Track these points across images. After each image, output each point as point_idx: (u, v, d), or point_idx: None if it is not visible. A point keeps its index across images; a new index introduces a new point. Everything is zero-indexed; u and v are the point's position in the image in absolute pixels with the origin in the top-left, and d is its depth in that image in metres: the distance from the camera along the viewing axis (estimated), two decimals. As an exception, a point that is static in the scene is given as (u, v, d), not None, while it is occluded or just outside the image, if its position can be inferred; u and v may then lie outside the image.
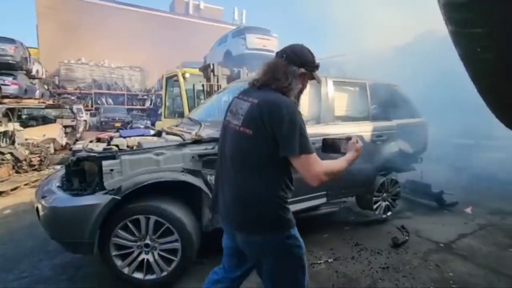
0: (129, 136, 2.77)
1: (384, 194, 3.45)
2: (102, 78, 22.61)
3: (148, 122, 16.85)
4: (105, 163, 2.01)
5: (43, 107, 8.41)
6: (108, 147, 2.32)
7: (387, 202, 3.49)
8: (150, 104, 21.57)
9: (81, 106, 15.04)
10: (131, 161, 2.06)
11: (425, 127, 3.76)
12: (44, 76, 16.61)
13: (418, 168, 3.96)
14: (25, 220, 3.39)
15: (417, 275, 2.43)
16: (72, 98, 18.17)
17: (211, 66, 4.66)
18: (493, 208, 4.01)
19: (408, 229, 3.16)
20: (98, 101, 21.05)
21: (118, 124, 15.42)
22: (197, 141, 2.37)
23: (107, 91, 21.89)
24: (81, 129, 11.84)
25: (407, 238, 3.02)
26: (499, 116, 1.02)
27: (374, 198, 3.36)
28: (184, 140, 2.39)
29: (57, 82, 20.71)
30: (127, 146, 2.48)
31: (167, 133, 2.81)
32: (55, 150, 7.61)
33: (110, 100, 21.55)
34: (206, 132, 2.55)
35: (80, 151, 2.28)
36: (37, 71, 14.11)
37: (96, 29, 22.72)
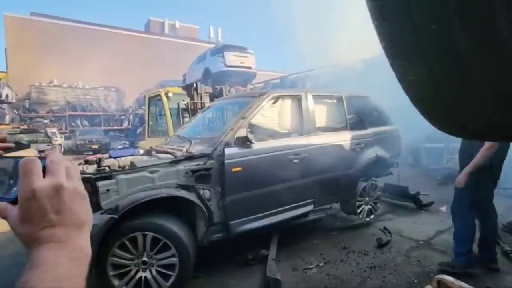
0: (119, 157, 2.82)
1: (366, 198, 3.66)
2: (76, 100, 21.97)
3: (127, 142, 16.52)
4: (101, 183, 2.06)
5: (17, 132, 8.10)
6: (101, 168, 2.37)
7: (369, 206, 3.70)
8: (128, 124, 21.16)
9: (54, 130, 14.54)
10: (127, 180, 2.13)
11: (398, 134, 4.06)
12: (14, 100, 15.97)
13: (394, 172, 4.24)
14: (9, 249, 3.27)
15: (402, 271, 2.61)
16: (45, 121, 17.52)
17: (195, 85, 4.80)
18: (464, 205, 4.33)
19: (390, 230, 3.37)
20: (73, 124, 20.38)
21: (95, 146, 14.97)
22: (189, 158, 2.47)
23: (82, 113, 21.27)
24: (56, 153, 11.40)
25: (390, 238, 3.22)
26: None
27: (358, 203, 3.56)
28: (176, 157, 2.48)
29: (27, 106, 19.91)
30: (119, 167, 2.54)
31: (157, 152, 2.88)
32: (31, 176, 7.31)
33: (85, 122, 20.90)
34: (196, 149, 2.66)
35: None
36: (7, 96, 13.60)
37: (69, 51, 22.29)
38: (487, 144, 2.27)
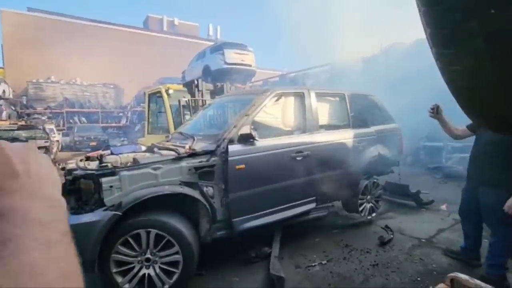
0: (121, 153, 2.79)
1: (368, 197, 3.66)
2: (74, 96, 21.84)
3: (125, 139, 16.45)
4: (104, 180, 2.04)
5: (15, 128, 8.02)
6: (104, 164, 2.34)
7: (371, 204, 3.70)
8: (126, 121, 21.07)
9: (52, 126, 14.42)
10: (130, 177, 2.11)
11: (400, 132, 4.06)
12: (11, 96, 15.84)
13: (395, 171, 4.23)
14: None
15: (404, 269, 2.61)
16: (43, 118, 17.38)
17: (196, 82, 4.77)
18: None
19: (392, 228, 3.38)
20: (71, 120, 20.25)
21: (93, 143, 14.89)
22: (193, 154, 2.45)
23: (80, 110, 21.14)
24: (54, 150, 11.33)
25: (392, 236, 3.22)
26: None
27: (359, 201, 3.56)
28: (179, 154, 2.46)
29: (24, 102, 19.75)
30: (121, 163, 2.51)
31: (160, 148, 2.86)
32: (29, 173, 7.25)
33: (83, 119, 20.79)
34: (199, 145, 2.64)
35: (75, 170, 2.28)
36: (3, 92, 13.47)
37: (67, 47, 22.08)
38: None
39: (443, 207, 4.24)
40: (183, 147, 2.64)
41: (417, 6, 0.54)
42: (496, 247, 2.37)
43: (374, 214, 3.74)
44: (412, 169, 6.94)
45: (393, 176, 4.37)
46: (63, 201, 0.34)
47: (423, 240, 3.20)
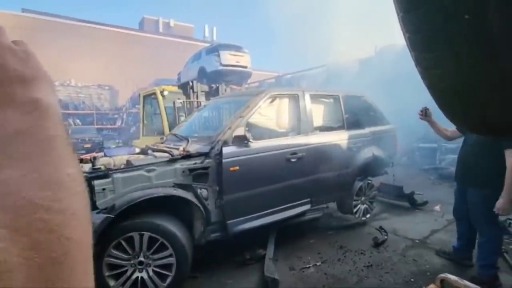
0: (115, 155, 2.77)
1: (363, 198, 3.68)
2: (69, 98, 21.69)
3: (120, 141, 16.33)
4: (97, 182, 2.02)
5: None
6: (97, 167, 2.32)
7: (365, 205, 3.72)
8: (122, 123, 20.94)
9: (46, 128, 14.26)
10: (123, 179, 2.09)
11: (394, 134, 4.09)
12: (4, 98, 15.65)
13: (390, 172, 4.27)
14: None
15: (398, 270, 2.62)
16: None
17: (191, 84, 4.76)
18: (458, 204, 4.38)
19: (386, 229, 3.39)
20: (65, 122, 20.05)
21: (88, 145, 14.75)
22: (187, 156, 2.44)
23: (74, 111, 20.98)
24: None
25: (386, 237, 3.24)
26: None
27: (354, 202, 3.57)
28: (173, 156, 2.45)
29: (18, 104, 19.54)
30: (114, 165, 2.49)
31: (154, 150, 2.84)
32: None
33: (78, 121, 20.62)
34: (193, 147, 2.63)
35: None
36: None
37: (61, 48, 21.94)
38: None
39: (437, 208, 4.27)
40: (177, 149, 2.63)
41: (396, 11, 0.54)
42: (485, 247, 2.40)
43: (368, 215, 3.75)
44: (408, 170, 6.99)
45: (387, 177, 4.40)
46: (47, 100, 0.28)
47: (416, 241, 3.22)
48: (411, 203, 4.38)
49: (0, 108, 0.25)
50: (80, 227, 0.24)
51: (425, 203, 4.36)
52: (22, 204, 0.21)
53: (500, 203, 2.15)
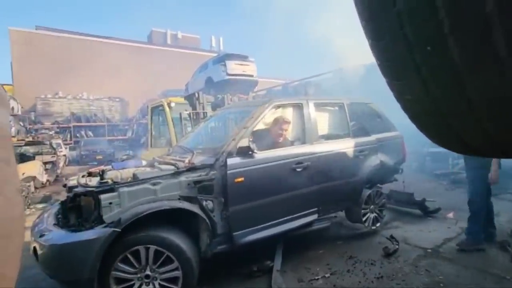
0: (122, 168, 2.82)
1: (372, 206, 3.61)
2: (81, 110, 22.27)
3: (131, 152, 16.58)
4: (103, 196, 2.05)
5: (22, 144, 8.17)
6: (104, 181, 2.36)
7: (375, 214, 3.64)
8: (132, 134, 21.31)
9: (59, 141, 14.67)
10: (129, 193, 2.12)
11: (401, 140, 4.02)
12: (19, 113, 16.19)
13: (399, 178, 4.18)
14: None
15: (410, 281, 2.54)
16: (50, 132, 17.69)
17: (196, 95, 4.83)
18: (472, 211, 4.24)
19: (397, 238, 3.30)
20: (78, 134, 20.58)
21: (99, 157, 15.05)
22: (192, 169, 2.46)
23: (86, 124, 21.51)
24: (61, 165, 11.49)
25: (397, 247, 3.15)
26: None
27: (363, 211, 3.50)
28: (178, 168, 2.47)
29: (33, 118, 20.18)
30: (121, 179, 2.53)
31: (160, 163, 2.88)
32: (35, 188, 7.34)
33: (90, 133, 21.11)
34: (198, 159, 2.65)
35: (76, 187, 2.31)
36: (13, 108, 13.78)
37: (73, 63, 22.65)
38: None
39: (450, 215, 4.15)
40: (183, 161, 2.66)
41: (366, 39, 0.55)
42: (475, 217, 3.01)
43: (378, 224, 3.67)
44: (418, 176, 6.84)
45: (397, 184, 4.31)
46: (5, 128, 0.30)
47: (429, 250, 3.13)
48: (422, 211, 4.27)
49: None
50: None
51: (438, 210, 4.24)
52: None
53: (493, 174, 2.76)
